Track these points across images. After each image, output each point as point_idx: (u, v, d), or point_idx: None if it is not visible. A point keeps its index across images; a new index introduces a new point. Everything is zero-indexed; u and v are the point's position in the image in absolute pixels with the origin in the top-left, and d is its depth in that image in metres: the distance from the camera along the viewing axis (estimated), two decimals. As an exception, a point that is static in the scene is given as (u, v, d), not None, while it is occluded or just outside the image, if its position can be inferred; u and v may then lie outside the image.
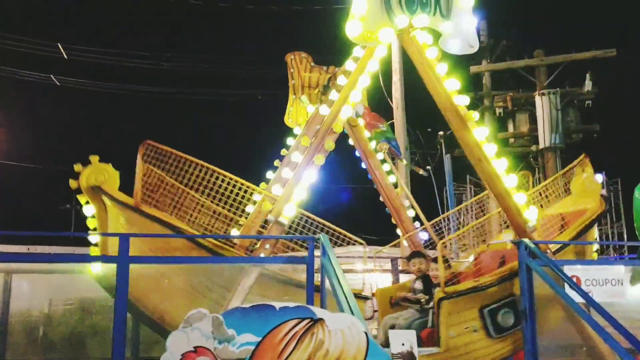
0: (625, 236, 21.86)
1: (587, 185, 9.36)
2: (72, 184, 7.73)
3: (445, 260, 8.67)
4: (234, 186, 7.83)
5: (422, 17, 7.88)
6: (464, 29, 8.16)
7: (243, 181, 7.88)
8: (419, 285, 8.63)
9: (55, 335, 13.52)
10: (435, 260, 8.66)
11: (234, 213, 7.92)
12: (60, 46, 26.88)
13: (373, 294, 9.37)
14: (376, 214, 11.15)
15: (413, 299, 8.53)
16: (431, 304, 8.10)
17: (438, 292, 7.83)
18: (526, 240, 7.42)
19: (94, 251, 7.87)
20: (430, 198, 21.79)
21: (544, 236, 8.84)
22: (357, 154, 10.57)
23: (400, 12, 7.80)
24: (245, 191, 7.89)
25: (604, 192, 9.56)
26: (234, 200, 7.86)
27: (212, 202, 7.89)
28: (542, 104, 21.82)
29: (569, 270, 7.39)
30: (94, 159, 7.81)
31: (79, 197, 7.87)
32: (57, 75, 28.68)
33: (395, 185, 10.81)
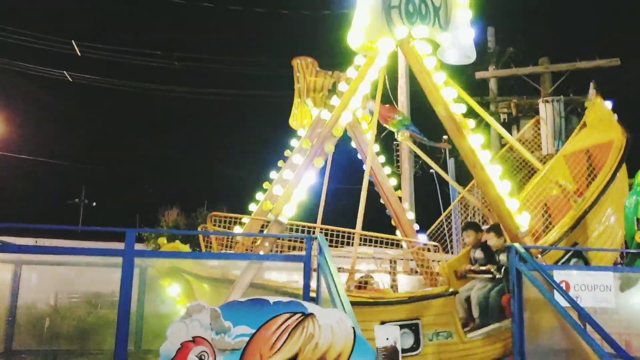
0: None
1: (600, 114, 9.38)
2: (150, 271, 8.19)
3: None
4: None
5: (421, 28, 8.16)
6: (461, 40, 8.44)
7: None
8: (479, 254, 9.01)
9: (61, 327, 13.80)
10: (490, 229, 8.96)
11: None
12: (74, 43, 27.21)
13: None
14: (379, 214, 11.41)
15: (479, 270, 8.86)
16: (502, 271, 8.36)
17: None
18: (517, 245, 7.63)
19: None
20: (434, 200, 22.00)
21: (576, 176, 8.92)
22: (359, 156, 10.84)
23: (400, 23, 8.09)
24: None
25: (616, 117, 9.47)
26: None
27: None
28: (546, 111, 21.99)
29: (558, 275, 7.61)
30: (162, 241, 8.09)
31: (161, 282, 8.10)
32: (71, 72, 29.02)
33: (396, 188, 11.06)
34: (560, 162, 9.28)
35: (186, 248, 8.17)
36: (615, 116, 9.49)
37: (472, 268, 9.00)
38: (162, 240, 8.09)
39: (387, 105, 10.66)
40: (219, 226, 8.52)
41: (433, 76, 8.33)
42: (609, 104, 9.60)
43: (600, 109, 9.38)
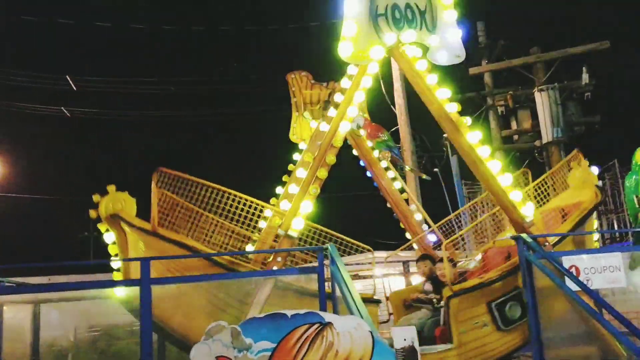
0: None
1: (585, 178, 9.71)
2: (92, 213, 8.15)
3: (451, 260, 9.10)
4: (244, 204, 8.23)
5: (409, 32, 8.30)
6: (450, 41, 8.56)
7: (252, 199, 8.26)
8: (428, 287, 9.07)
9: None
10: (441, 260, 9.07)
11: (247, 229, 8.34)
12: (69, 78, 27.44)
13: (387, 298, 9.77)
14: (387, 219, 11.53)
15: (425, 299, 8.98)
16: (442, 303, 8.48)
17: (445, 290, 8.22)
18: (524, 235, 7.74)
19: (117, 276, 8.27)
20: (440, 199, 22.14)
21: (547, 230, 9.18)
22: (361, 163, 10.96)
23: (388, 30, 8.23)
24: (256, 208, 8.29)
25: (599, 183, 9.83)
26: (246, 217, 8.27)
27: (225, 221, 8.28)
28: (542, 100, 22.15)
29: (567, 260, 7.70)
30: (111, 188, 8.24)
31: (99, 225, 8.26)
32: (68, 107, 29.24)
33: (402, 191, 11.16)
34: (537, 217, 9.62)
35: (129, 198, 8.28)
36: (600, 183, 9.83)
37: (419, 297, 9.13)
38: (112, 188, 8.24)
39: (375, 124, 10.74)
40: (166, 183, 8.48)
41: (425, 78, 8.46)
42: (595, 169, 9.93)
43: (586, 174, 9.73)
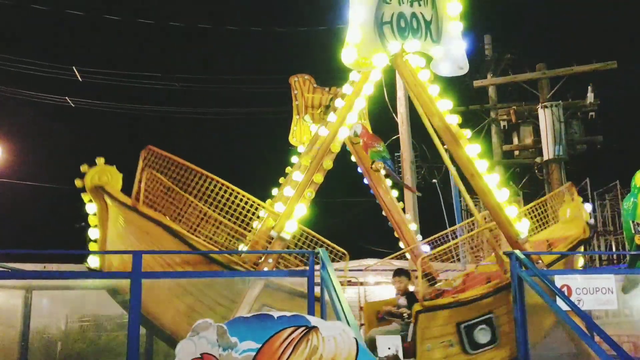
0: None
1: (576, 214, 9.55)
2: (78, 183, 8.08)
3: (429, 275, 9.07)
4: (235, 197, 8.08)
5: (413, 42, 8.32)
6: (453, 52, 8.57)
7: (245, 193, 8.12)
8: (402, 301, 8.98)
9: (73, 350, 13.92)
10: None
11: (238, 225, 8.17)
12: (75, 69, 27.44)
13: (361, 308, 9.74)
14: (383, 226, 11.55)
15: (397, 313, 8.86)
16: (412, 319, 8.29)
17: (416, 306, 8.00)
18: (517, 251, 7.73)
19: (93, 247, 8.25)
20: (438, 211, 22.09)
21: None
22: (359, 170, 10.97)
23: (393, 38, 8.25)
24: (246, 202, 8.11)
25: (591, 220, 9.62)
26: (235, 210, 8.11)
27: (215, 212, 8.16)
28: (545, 117, 22.14)
29: (560, 279, 7.68)
30: (100, 160, 8.21)
31: (82, 195, 8.20)
32: (72, 97, 29.27)
33: (398, 200, 11.17)
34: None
35: (116, 172, 8.20)
36: (592, 220, 9.64)
37: (391, 310, 9.02)
38: (100, 160, 8.19)
39: (372, 134, 10.70)
40: (155, 163, 8.39)
41: (427, 89, 8.47)
42: (588, 207, 9.77)
43: (577, 209, 9.63)
